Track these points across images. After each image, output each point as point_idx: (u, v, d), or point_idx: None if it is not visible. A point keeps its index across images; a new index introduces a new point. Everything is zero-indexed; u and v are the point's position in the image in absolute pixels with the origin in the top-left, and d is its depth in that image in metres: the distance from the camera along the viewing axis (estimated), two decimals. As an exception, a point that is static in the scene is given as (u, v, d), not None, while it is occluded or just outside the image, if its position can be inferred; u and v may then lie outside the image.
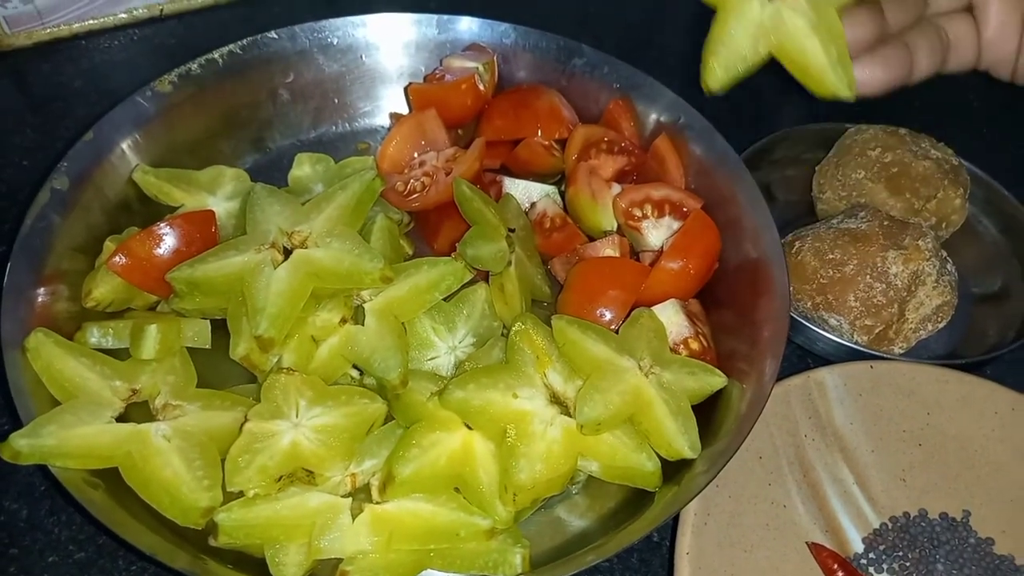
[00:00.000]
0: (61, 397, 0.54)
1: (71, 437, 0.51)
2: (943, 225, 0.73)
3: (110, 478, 0.52)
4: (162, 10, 0.93)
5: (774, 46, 0.49)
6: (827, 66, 0.48)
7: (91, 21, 0.90)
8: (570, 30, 0.77)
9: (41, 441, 0.50)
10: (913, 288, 0.64)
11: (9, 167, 0.79)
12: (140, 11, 0.92)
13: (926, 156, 0.72)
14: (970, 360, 0.65)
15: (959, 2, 0.50)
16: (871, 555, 0.57)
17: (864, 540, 0.58)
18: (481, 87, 0.74)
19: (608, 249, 0.68)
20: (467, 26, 0.77)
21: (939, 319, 0.66)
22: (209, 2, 0.95)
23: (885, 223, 0.66)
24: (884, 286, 0.64)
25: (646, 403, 0.56)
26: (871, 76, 0.49)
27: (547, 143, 0.74)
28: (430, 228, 0.72)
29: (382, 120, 0.80)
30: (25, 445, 0.50)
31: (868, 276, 0.64)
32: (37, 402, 0.54)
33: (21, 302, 0.57)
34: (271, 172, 0.75)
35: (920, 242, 0.65)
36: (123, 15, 0.92)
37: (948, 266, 0.67)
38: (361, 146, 0.79)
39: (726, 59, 0.49)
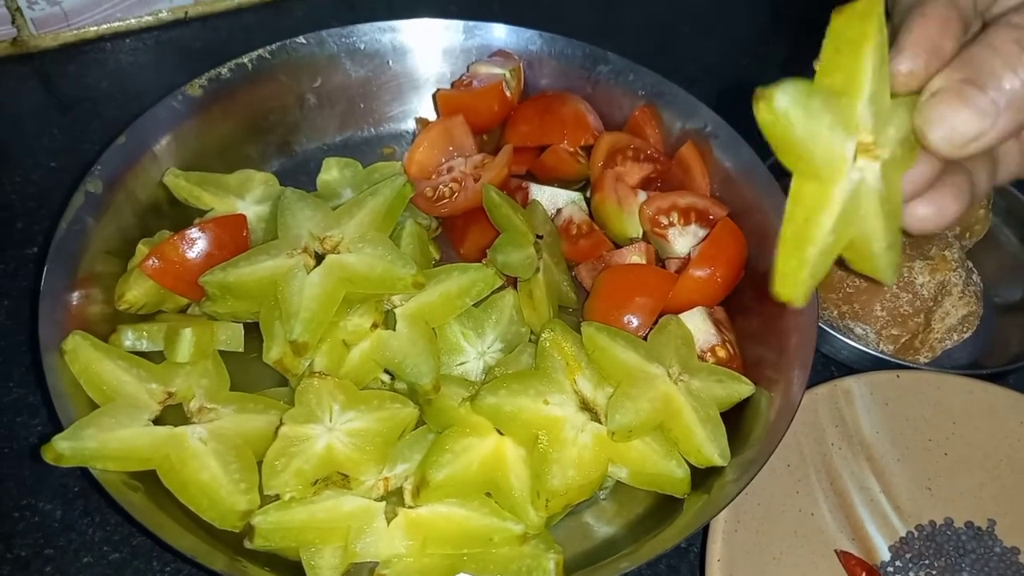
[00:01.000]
0: (99, 399, 0.55)
1: (111, 440, 0.52)
2: (966, 235, 0.73)
3: (147, 481, 0.53)
4: (187, 13, 0.94)
5: (850, 233, 0.33)
6: (882, 249, 0.34)
7: (117, 23, 0.91)
8: (593, 37, 0.78)
9: (82, 444, 0.51)
10: (939, 298, 0.65)
11: (38, 168, 0.79)
12: (164, 14, 0.93)
13: (950, 166, 0.73)
14: (994, 370, 0.66)
15: None
16: (898, 563, 0.58)
17: (891, 548, 0.58)
18: (507, 93, 0.75)
19: (634, 256, 0.69)
20: (494, 32, 0.78)
21: (965, 329, 0.67)
22: (233, 5, 0.95)
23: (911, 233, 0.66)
24: (911, 296, 0.65)
25: (676, 410, 0.57)
26: (940, 211, 0.37)
27: (573, 150, 0.74)
28: (457, 233, 0.73)
29: (408, 125, 0.81)
30: (67, 448, 0.50)
31: (895, 286, 0.65)
32: (75, 404, 0.54)
33: (57, 305, 0.58)
34: (298, 176, 0.76)
35: (947, 252, 0.65)
36: (148, 17, 0.92)
37: (973, 276, 0.68)
38: (387, 151, 0.80)
39: (814, 262, 0.32)
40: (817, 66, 0.33)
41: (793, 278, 0.32)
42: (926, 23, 0.34)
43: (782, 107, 0.30)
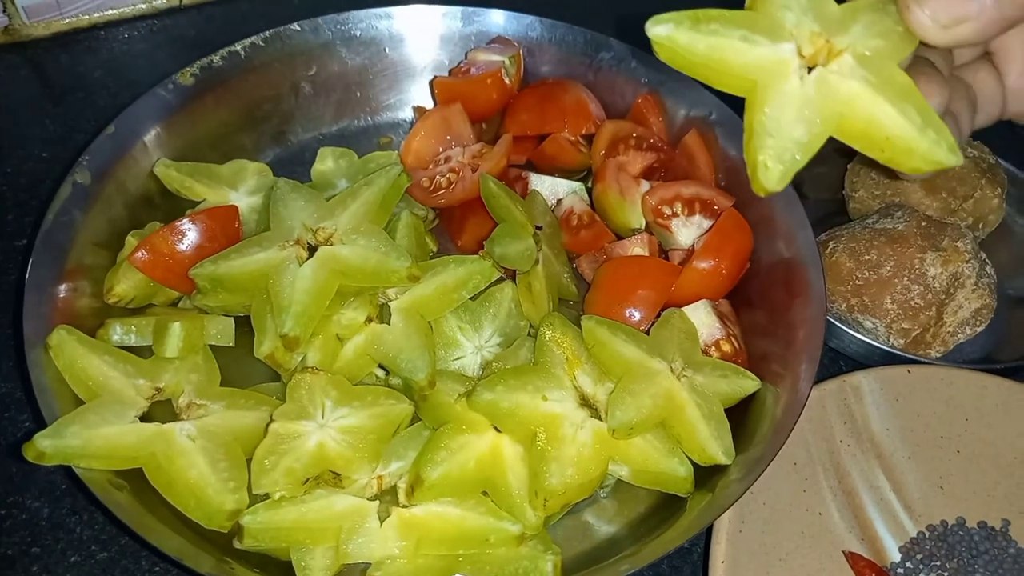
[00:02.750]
0: (84, 396, 0.54)
1: (95, 437, 0.50)
2: (980, 225, 0.71)
3: (134, 479, 0.51)
4: (181, 0, 0.92)
5: (833, 125, 0.36)
6: (912, 131, 0.35)
7: (110, 11, 0.89)
8: (595, 23, 0.76)
9: (65, 442, 0.49)
10: (952, 291, 0.63)
11: (29, 159, 0.78)
12: (159, 1, 0.91)
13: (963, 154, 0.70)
14: (1008, 365, 0.64)
15: (976, 52, 0.42)
16: (908, 564, 0.56)
17: (901, 549, 0.57)
18: (507, 81, 0.73)
19: (637, 247, 0.67)
20: (493, 19, 0.76)
21: (978, 322, 0.65)
22: (228, -8, 0.94)
23: (923, 223, 0.64)
24: (922, 288, 0.63)
25: (678, 407, 0.55)
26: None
27: (574, 138, 0.73)
28: (454, 225, 0.71)
29: (405, 114, 0.79)
30: (49, 446, 0.49)
31: (906, 278, 0.63)
32: (60, 401, 0.53)
33: (43, 299, 0.57)
34: (293, 166, 0.74)
35: (959, 243, 0.63)
36: (142, 5, 0.91)
37: (987, 268, 0.65)
38: (383, 140, 0.78)
39: (777, 150, 0.35)
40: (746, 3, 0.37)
41: (756, 165, 0.36)
42: None
43: (661, 35, 0.34)
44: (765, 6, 0.36)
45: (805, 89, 0.35)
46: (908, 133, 0.35)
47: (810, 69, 0.36)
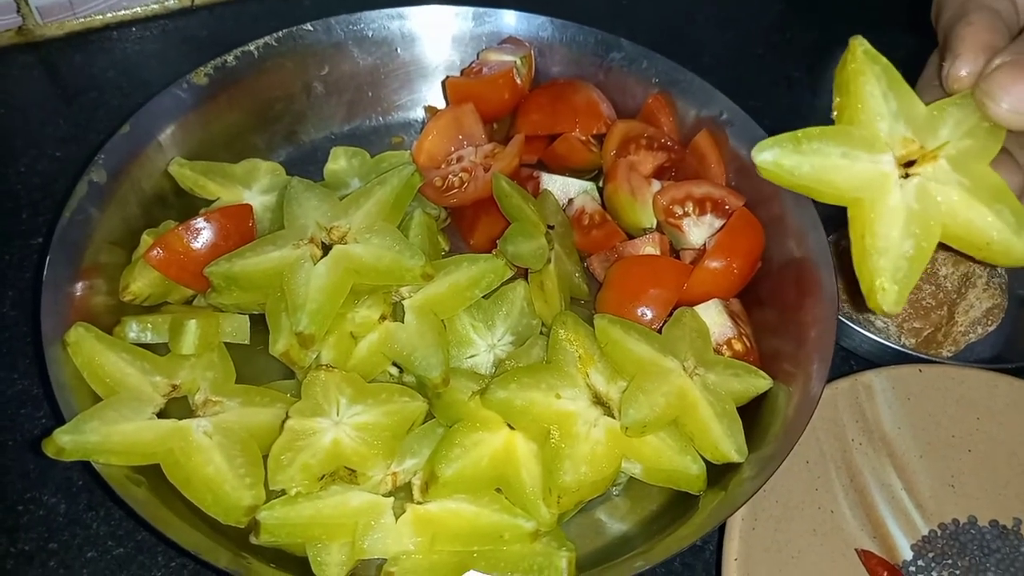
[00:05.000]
0: (102, 392, 0.54)
1: (113, 433, 0.51)
2: (990, 225, 0.71)
3: (150, 475, 0.52)
4: (193, 1, 0.92)
5: (936, 233, 0.36)
6: (1009, 234, 0.35)
7: (123, 11, 0.90)
8: (604, 23, 0.76)
9: (84, 437, 0.50)
10: (963, 290, 0.63)
11: (43, 158, 0.78)
12: (171, 2, 0.92)
13: (974, 154, 0.71)
14: (1019, 364, 0.64)
15: None
16: (920, 562, 0.56)
17: (913, 547, 0.57)
18: (518, 81, 0.73)
19: (648, 247, 0.67)
20: (504, 19, 0.76)
21: (989, 322, 0.65)
22: (240, -7, 0.94)
23: (934, 223, 0.65)
24: (934, 288, 0.63)
25: (691, 405, 0.56)
26: None
27: (585, 138, 0.73)
28: (466, 224, 0.71)
29: (417, 114, 0.80)
30: (68, 442, 0.49)
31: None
32: (78, 397, 0.53)
33: (60, 297, 0.57)
34: (305, 165, 0.75)
35: (971, 243, 0.63)
36: (154, 6, 0.91)
37: (998, 268, 0.66)
38: (395, 140, 0.79)
39: (891, 270, 0.35)
40: (834, 115, 0.38)
41: (873, 288, 0.36)
42: (975, 29, 0.36)
43: (767, 161, 0.35)
44: (859, 117, 0.36)
45: (908, 202, 0.36)
46: (1006, 237, 0.36)
47: (907, 174, 0.36)
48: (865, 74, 0.36)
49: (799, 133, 0.36)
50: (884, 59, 0.36)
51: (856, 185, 0.36)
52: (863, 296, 0.37)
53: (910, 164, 0.36)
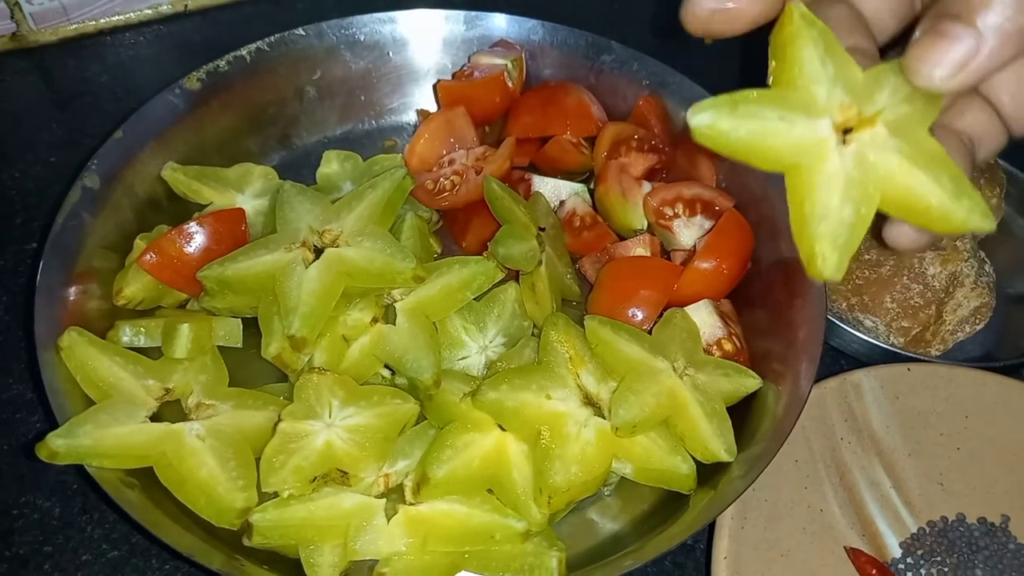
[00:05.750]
0: (95, 396, 0.54)
1: (106, 437, 0.51)
2: (979, 225, 0.71)
3: (144, 478, 0.52)
4: (186, 6, 0.93)
5: (875, 198, 0.35)
6: (948, 200, 0.35)
7: (116, 17, 0.90)
8: (594, 26, 0.77)
9: (77, 441, 0.50)
10: (951, 289, 0.64)
11: (37, 163, 0.79)
12: (164, 7, 0.92)
13: (962, 155, 0.71)
14: (1007, 362, 0.64)
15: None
16: (909, 560, 0.56)
17: (902, 545, 0.57)
18: (509, 84, 0.74)
19: (639, 248, 0.68)
20: (495, 23, 0.77)
21: (977, 321, 0.65)
22: (233, -2, 0.94)
23: (922, 223, 0.65)
24: (922, 287, 0.63)
25: (681, 405, 0.56)
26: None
27: (576, 141, 0.73)
28: (458, 227, 0.72)
29: (409, 117, 0.80)
30: (62, 445, 0.50)
31: (905, 277, 0.63)
32: (71, 401, 0.54)
33: (54, 301, 0.57)
34: (298, 169, 0.75)
35: (958, 242, 0.64)
36: (148, 11, 0.91)
37: (986, 267, 0.66)
38: (388, 143, 0.79)
39: (831, 236, 0.35)
40: (769, 81, 0.36)
41: (813, 255, 0.34)
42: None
43: (703, 124, 0.33)
44: (795, 81, 0.35)
45: (846, 168, 0.35)
46: (945, 202, 0.35)
47: (845, 140, 0.35)
48: (803, 38, 0.35)
49: (735, 95, 0.34)
50: (821, 23, 0.35)
51: (794, 151, 0.35)
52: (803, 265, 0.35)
53: (848, 131, 0.35)
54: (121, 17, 0.90)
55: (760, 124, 0.34)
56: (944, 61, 0.32)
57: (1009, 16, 0.32)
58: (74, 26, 0.89)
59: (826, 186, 0.35)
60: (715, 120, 0.33)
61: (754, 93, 0.34)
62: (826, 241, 0.35)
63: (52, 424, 0.51)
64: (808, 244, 0.34)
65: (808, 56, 0.35)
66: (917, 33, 0.33)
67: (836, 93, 0.35)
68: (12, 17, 0.86)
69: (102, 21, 0.90)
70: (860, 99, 0.35)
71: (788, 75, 0.35)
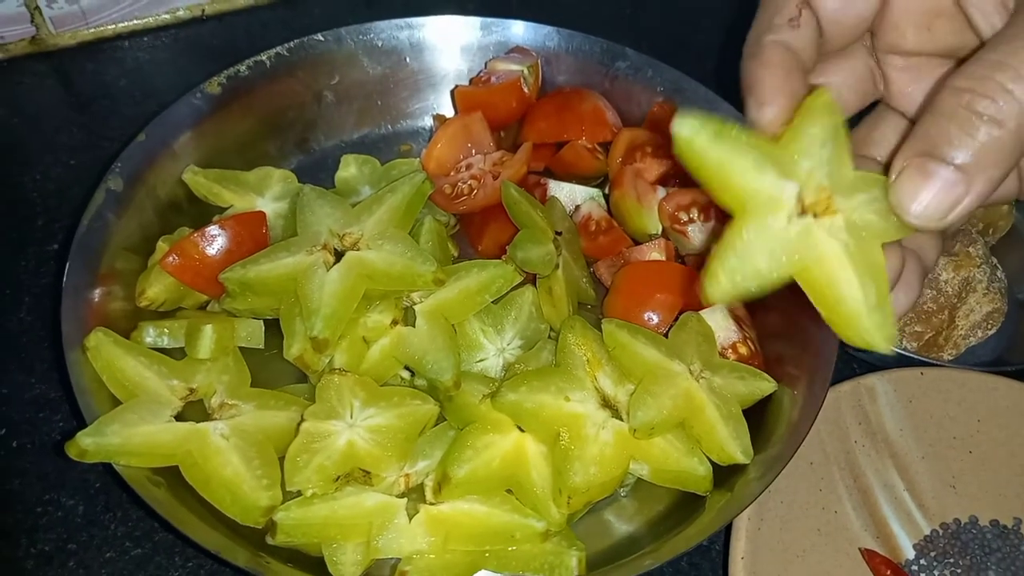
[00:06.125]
0: (121, 395, 0.55)
1: (134, 436, 0.52)
2: (990, 231, 0.72)
3: (169, 476, 0.53)
4: (203, 10, 0.94)
5: (797, 269, 0.36)
6: (862, 308, 0.36)
7: (134, 21, 0.91)
8: (610, 32, 0.78)
9: (106, 440, 0.51)
10: (963, 295, 0.64)
11: (58, 166, 0.80)
12: (182, 12, 0.93)
13: (973, 161, 0.72)
14: (1019, 367, 0.65)
15: None
16: (922, 561, 0.57)
17: (915, 546, 0.58)
18: (526, 90, 0.75)
19: (654, 252, 0.68)
20: (512, 29, 0.78)
21: (989, 326, 0.66)
22: (249, 3, 0.95)
23: (935, 229, 0.66)
24: (935, 293, 0.64)
25: (697, 407, 0.57)
26: (897, 306, 0.39)
27: (591, 146, 0.74)
28: (474, 230, 0.72)
29: (425, 122, 0.81)
30: (91, 444, 0.50)
31: (918, 282, 0.64)
32: (97, 400, 0.54)
33: (79, 302, 0.58)
34: (316, 173, 0.76)
35: (971, 249, 0.65)
36: (165, 15, 0.93)
37: (998, 273, 0.67)
38: (404, 148, 0.80)
39: (735, 270, 0.36)
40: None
41: (711, 275, 0.36)
42: (771, 72, 0.37)
43: (683, 135, 0.34)
44: (789, 144, 0.36)
45: (788, 230, 0.36)
46: (859, 308, 0.36)
47: (802, 212, 0.36)
48: (815, 115, 0.36)
49: (726, 124, 0.35)
50: (841, 116, 0.36)
51: (750, 196, 0.36)
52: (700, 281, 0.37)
53: (806, 213, 0.36)
54: (139, 21, 0.91)
55: (734, 158, 0.35)
56: (932, 206, 0.32)
57: (993, 157, 0.31)
58: (92, 30, 0.90)
59: (760, 231, 0.36)
60: (695, 135, 0.34)
61: (745, 132, 0.36)
62: (728, 270, 0.36)
63: (76, 423, 0.52)
64: (715, 266, 0.36)
65: (813, 133, 0.36)
66: (899, 162, 0.33)
67: (819, 175, 0.36)
68: (32, 21, 0.87)
69: (120, 25, 0.91)
70: (838, 192, 0.36)
71: (787, 137, 0.36)
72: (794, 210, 0.36)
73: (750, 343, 0.63)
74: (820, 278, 0.37)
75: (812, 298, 0.37)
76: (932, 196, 0.32)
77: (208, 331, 0.58)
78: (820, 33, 0.40)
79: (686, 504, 0.58)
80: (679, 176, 0.73)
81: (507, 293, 0.63)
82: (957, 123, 0.32)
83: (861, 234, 0.36)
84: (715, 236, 0.38)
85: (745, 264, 0.36)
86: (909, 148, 0.33)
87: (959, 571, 0.57)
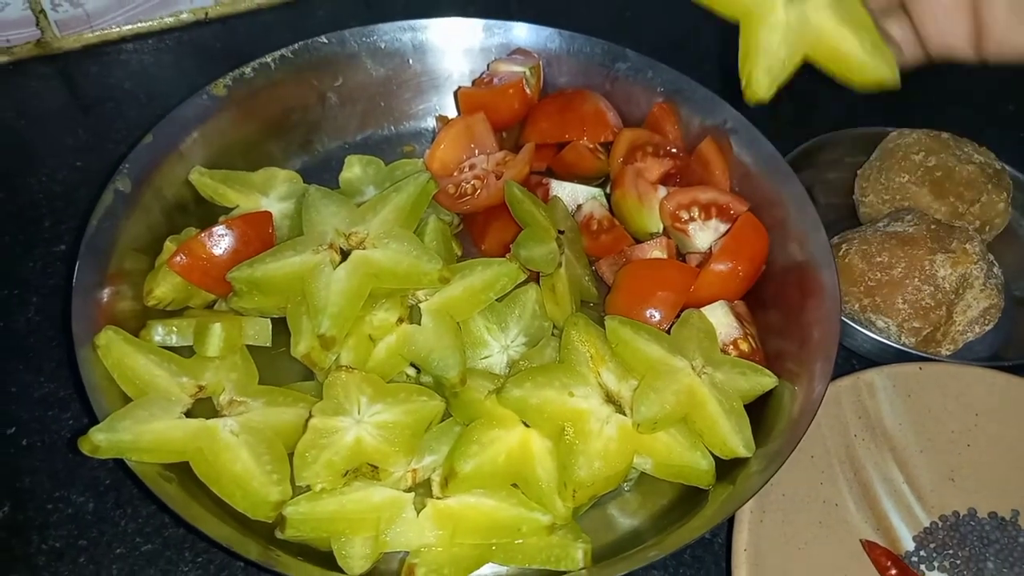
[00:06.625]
0: (132, 393, 0.56)
1: (145, 432, 0.53)
2: (986, 228, 0.73)
3: (179, 472, 0.54)
4: (207, 14, 0.95)
5: (808, 47, 0.48)
6: (865, 55, 0.47)
7: (138, 24, 0.92)
8: (611, 34, 0.79)
9: (118, 436, 0.51)
10: (961, 291, 0.65)
11: (64, 168, 0.80)
12: (185, 15, 0.94)
13: (969, 160, 0.73)
14: (1015, 362, 0.66)
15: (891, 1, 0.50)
16: (922, 553, 0.58)
17: (915, 538, 0.59)
18: (528, 91, 0.75)
19: (656, 251, 0.69)
20: (513, 31, 0.79)
21: (986, 321, 0.67)
22: (252, 6, 0.96)
23: (932, 227, 0.67)
24: (932, 289, 0.65)
25: (700, 402, 0.57)
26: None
27: (592, 146, 0.75)
28: (477, 230, 0.73)
29: (428, 123, 0.82)
30: (103, 440, 0.51)
31: (916, 279, 0.65)
32: (108, 397, 0.55)
33: (89, 301, 0.59)
34: (320, 174, 0.77)
35: (968, 245, 0.66)
36: (169, 19, 0.93)
37: (994, 269, 0.68)
38: (407, 148, 0.81)
39: (767, 66, 0.48)
40: None
41: (751, 79, 0.48)
42: None
43: None
44: None
45: (789, 19, 0.47)
46: (863, 56, 0.47)
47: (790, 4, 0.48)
48: None
49: None
50: None
51: (753, 4, 0.47)
52: (742, 91, 0.49)
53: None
54: (143, 24, 0.92)
55: None
56: None
57: None
58: (97, 33, 0.91)
59: (771, 29, 0.47)
60: None
61: None
62: (763, 68, 0.48)
63: (85, 421, 0.53)
64: (749, 70, 0.48)
65: None
66: None
67: None
68: (37, 24, 0.87)
69: (124, 28, 0.92)
70: None
71: None
72: (784, 1, 0.47)
73: (751, 339, 0.64)
74: (827, 48, 0.47)
75: (827, 67, 0.48)
76: None
77: (217, 329, 0.59)
78: None
79: (689, 498, 0.58)
80: (679, 175, 0.74)
81: (511, 291, 0.64)
82: None
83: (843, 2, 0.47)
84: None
85: (771, 57, 0.47)
86: None
87: (958, 562, 0.58)
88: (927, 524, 0.59)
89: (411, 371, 0.63)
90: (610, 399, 0.57)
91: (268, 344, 0.63)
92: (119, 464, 0.52)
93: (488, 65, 0.79)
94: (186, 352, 0.60)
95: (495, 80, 0.76)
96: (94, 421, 0.52)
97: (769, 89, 0.48)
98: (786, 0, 0.47)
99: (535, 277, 0.66)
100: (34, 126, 0.84)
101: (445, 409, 0.58)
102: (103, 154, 0.81)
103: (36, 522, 0.59)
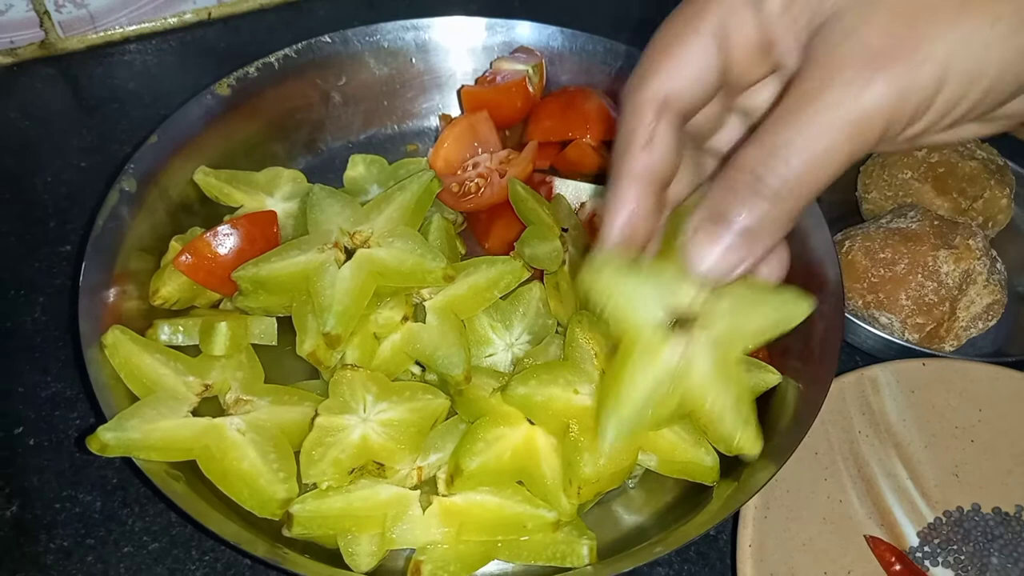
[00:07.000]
0: (139, 392, 0.56)
1: (153, 431, 0.53)
2: (989, 224, 0.73)
3: (187, 471, 0.54)
4: (210, 14, 0.95)
5: (679, 399, 0.39)
6: (736, 425, 0.41)
7: (142, 25, 0.92)
8: (612, 32, 0.79)
9: (126, 434, 0.52)
10: (964, 287, 0.65)
11: (68, 168, 0.81)
12: (188, 15, 0.94)
13: (972, 156, 0.73)
14: (1018, 358, 0.66)
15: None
16: (926, 548, 0.58)
17: (919, 534, 0.59)
18: (531, 89, 0.76)
19: (659, 248, 0.69)
20: (516, 30, 0.79)
21: (989, 317, 0.67)
22: (255, 6, 0.97)
23: (936, 223, 0.67)
24: (936, 285, 0.65)
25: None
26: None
27: (595, 144, 0.75)
28: (481, 228, 0.73)
29: (431, 122, 0.82)
30: (111, 438, 0.51)
31: (920, 275, 0.65)
32: (116, 396, 0.55)
33: (96, 301, 0.59)
34: (324, 173, 0.77)
35: (971, 241, 0.66)
36: (172, 19, 0.94)
37: (998, 265, 0.68)
38: (410, 147, 0.81)
39: (626, 419, 0.39)
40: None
41: (603, 420, 0.40)
42: (622, 205, 0.39)
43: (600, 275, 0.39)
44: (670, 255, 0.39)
45: (675, 360, 0.39)
46: (730, 427, 0.41)
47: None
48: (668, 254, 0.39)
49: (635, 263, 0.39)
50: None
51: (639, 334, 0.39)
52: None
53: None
54: (147, 25, 0.92)
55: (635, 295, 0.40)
56: (718, 265, 0.35)
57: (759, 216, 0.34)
58: (100, 34, 0.91)
59: (649, 369, 0.39)
60: (610, 275, 0.39)
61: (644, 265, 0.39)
62: (619, 420, 0.39)
63: (92, 420, 0.53)
64: (607, 417, 0.39)
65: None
66: (692, 222, 0.36)
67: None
68: (41, 25, 0.88)
69: (128, 29, 0.92)
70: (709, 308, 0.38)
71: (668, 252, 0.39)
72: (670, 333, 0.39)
73: (754, 336, 0.64)
74: (693, 401, 0.40)
75: (698, 421, 0.45)
76: (716, 257, 0.35)
77: (222, 328, 0.59)
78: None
79: (693, 494, 0.59)
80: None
81: (515, 289, 0.64)
82: (739, 196, 0.34)
83: (724, 347, 0.39)
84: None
85: (633, 411, 0.39)
86: (694, 218, 0.36)
87: (962, 558, 0.58)
88: (931, 520, 0.60)
89: (416, 369, 0.63)
90: (614, 396, 0.57)
91: (274, 343, 0.63)
92: (126, 463, 0.52)
93: (491, 63, 0.79)
94: (192, 351, 0.60)
95: (498, 78, 0.76)
96: (100, 420, 0.53)
97: (620, 437, 0.40)
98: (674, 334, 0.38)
99: (539, 275, 0.66)
100: (39, 127, 0.85)
101: (450, 407, 0.59)
102: (108, 154, 0.81)
103: (44, 521, 0.59)
